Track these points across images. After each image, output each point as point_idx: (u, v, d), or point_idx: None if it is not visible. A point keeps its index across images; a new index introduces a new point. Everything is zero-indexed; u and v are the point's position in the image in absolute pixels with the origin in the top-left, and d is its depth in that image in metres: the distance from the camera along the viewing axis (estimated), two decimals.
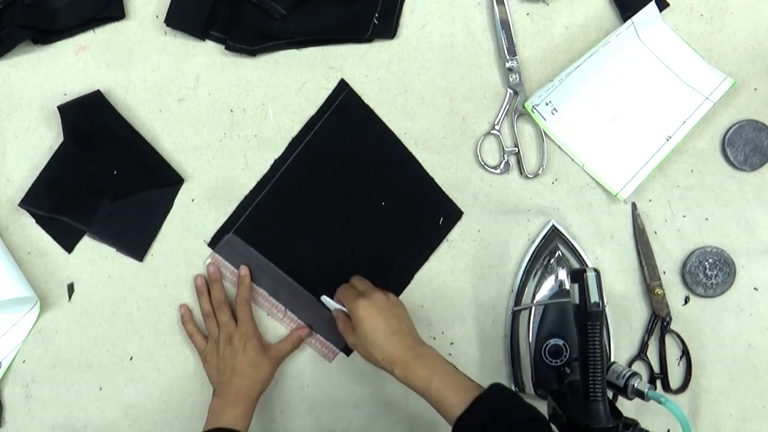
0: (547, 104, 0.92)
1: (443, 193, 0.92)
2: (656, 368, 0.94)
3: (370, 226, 0.92)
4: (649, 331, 0.93)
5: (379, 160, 0.92)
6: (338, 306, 0.86)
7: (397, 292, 0.92)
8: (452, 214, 0.93)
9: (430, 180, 0.92)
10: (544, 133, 0.92)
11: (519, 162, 0.93)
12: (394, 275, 0.93)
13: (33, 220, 0.90)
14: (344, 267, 0.92)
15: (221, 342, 0.87)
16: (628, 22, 0.90)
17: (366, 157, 0.92)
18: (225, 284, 0.91)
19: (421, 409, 0.93)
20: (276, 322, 0.92)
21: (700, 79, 0.92)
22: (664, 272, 0.94)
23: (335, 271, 0.92)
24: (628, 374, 0.82)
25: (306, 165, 0.91)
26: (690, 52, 0.93)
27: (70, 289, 0.90)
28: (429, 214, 0.93)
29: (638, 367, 0.93)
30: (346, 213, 0.92)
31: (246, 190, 0.91)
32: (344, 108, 0.91)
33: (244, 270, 0.90)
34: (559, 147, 0.93)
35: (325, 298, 0.88)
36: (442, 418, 0.75)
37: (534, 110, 0.92)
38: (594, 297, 0.75)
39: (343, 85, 0.91)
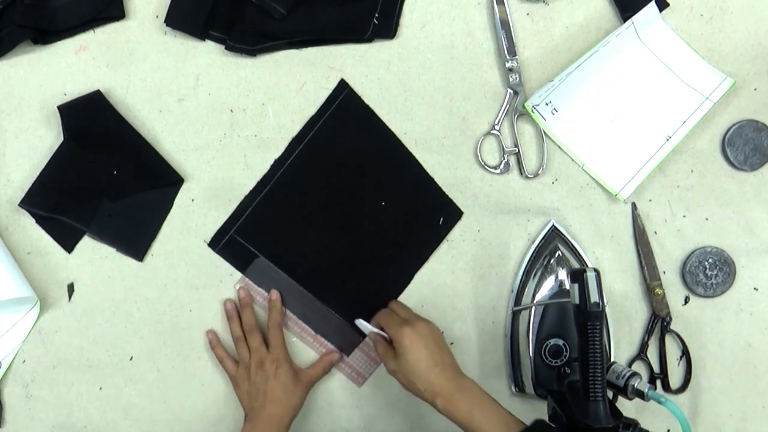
0: (547, 104, 0.92)
1: (443, 193, 0.92)
2: (656, 368, 0.94)
3: (370, 226, 0.92)
4: (649, 331, 0.93)
5: (379, 160, 0.92)
6: (376, 330, 0.85)
7: (397, 292, 0.92)
8: (452, 214, 0.93)
9: (430, 180, 0.92)
10: (544, 133, 0.92)
11: (519, 162, 0.93)
12: (394, 275, 0.93)
13: (33, 220, 0.90)
14: (344, 267, 0.92)
15: (252, 367, 0.87)
16: (628, 22, 0.90)
17: (366, 156, 0.92)
18: (255, 308, 0.91)
19: (421, 409, 0.93)
20: (306, 347, 0.92)
21: (700, 79, 0.92)
22: (664, 272, 0.94)
23: (335, 271, 0.92)
24: (628, 374, 0.82)
25: (306, 165, 0.91)
26: (690, 52, 0.93)
27: (70, 289, 0.90)
28: (429, 214, 0.93)
29: (638, 367, 0.93)
30: (346, 213, 0.92)
31: (246, 190, 0.91)
32: (344, 108, 0.91)
33: (276, 294, 0.90)
34: (559, 147, 0.93)
35: (360, 322, 0.87)
36: None
37: (534, 110, 0.92)
38: (594, 297, 0.75)
39: (343, 85, 0.91)
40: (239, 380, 0.88)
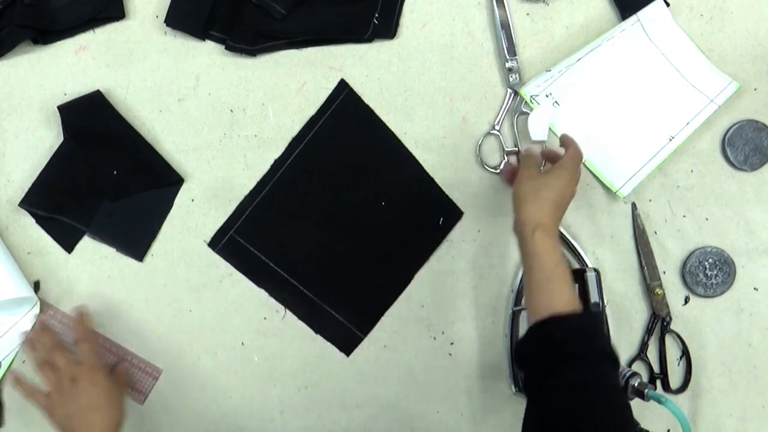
0: (547, 96, 0.91)
1: (443, 193, 0.92)
2: (656, 368, 0.94)
3: (370, 226, 0.92)
4: (649, 331, 0.93)
5: (379, 160, 0.92)
6: (545, 140, 0.86)
7: (397, 292, 0.92)
8: (452, 214, 0.93)
9: (430, 180, 0.92)
10: None
11: (519, 162, 0.92)
12: (394, 275, 0.93)
13: (33, 220, 0.90)
14: (344, 267, 0.92)
15: (66, 384, 0.80)
16: (633, 18, 0.89)
17: (366, 157, 0.92)
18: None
19: (421, 409, 0.93)
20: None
21: (706, 81, 0.92)
22: (664, 272, 0.94)
23: (335, 270, 0.92)
24: (628, 374, 0.82)
25: (306, 165, 0.91)
26: (697, 54, 0.92)
27: (36, 286, 0.89)
28: (429, 214, 0.93)
29: (638, 367, 0.93)
30: (346, 213, 0.92)
31: (246, 190, 0.91)
32: (344, 108, 0.91)
33: (77, 310, 0.87)
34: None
35: (539, 114, 0.85)
36: (535, 302, 0.74)
37: (533, 100, 0.91)
38: (594, 297, 0.75)
39: (343, 85, 0.91)
40: (56, 407, 0.81)
